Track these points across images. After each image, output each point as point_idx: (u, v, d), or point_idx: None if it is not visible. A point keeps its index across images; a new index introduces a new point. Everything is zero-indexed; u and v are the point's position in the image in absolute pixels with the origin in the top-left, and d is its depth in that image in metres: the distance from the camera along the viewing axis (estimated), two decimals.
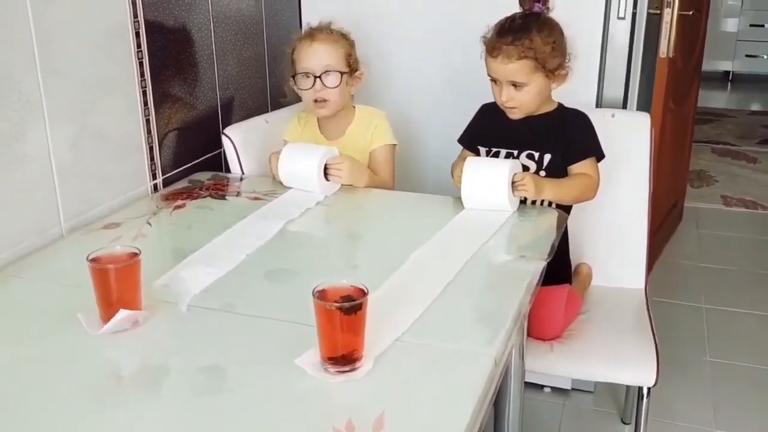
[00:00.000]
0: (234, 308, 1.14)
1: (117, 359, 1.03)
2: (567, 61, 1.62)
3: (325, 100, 1.74)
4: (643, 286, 1.87)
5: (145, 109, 1.64)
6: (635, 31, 2.01)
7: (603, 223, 1.87)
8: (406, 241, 1.36)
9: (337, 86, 1.73)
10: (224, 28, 1.91)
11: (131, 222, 1.46)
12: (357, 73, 1.80)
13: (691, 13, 2.47)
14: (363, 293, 0.95)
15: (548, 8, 1.60)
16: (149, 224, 1.46)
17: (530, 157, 1.65)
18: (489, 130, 1.72)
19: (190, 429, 0.88)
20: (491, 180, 1.48)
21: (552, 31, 1.59)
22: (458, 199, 1.52)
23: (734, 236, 3.30)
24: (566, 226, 1.58)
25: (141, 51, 1.61)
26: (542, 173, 1.63)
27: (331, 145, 1.73)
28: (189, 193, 1.65)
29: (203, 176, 1.77)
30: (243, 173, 1.79)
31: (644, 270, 1.88)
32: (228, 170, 1.83)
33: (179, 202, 1.59)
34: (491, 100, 1.69)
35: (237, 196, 1.66)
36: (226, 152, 1.81)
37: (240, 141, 1.80)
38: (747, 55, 6.26)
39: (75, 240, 1.40)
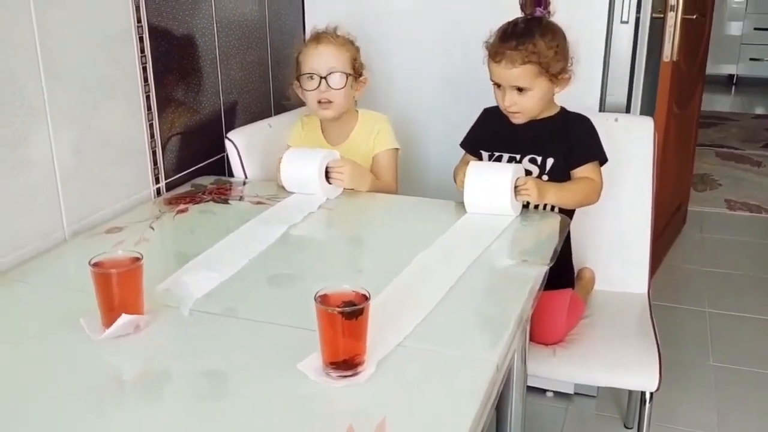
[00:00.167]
0: (236, 313, 1.14)
1: (119, 364, 1.03)
2: (569, 65, 1.62)
3: (329, 102, 1.75)
4: (646, 291, 1.87)
5: (148, 114, 1.65)
6: (639, 35, 2.01)
7: (606, 227, 1.87)
8: (408, 245, 1.36)
9: (342, 88, 1.74)
10: (228, 33, 1.92)
11: (134, 226, 1.47)
12: (361, 78, 1.81)
13: (694, 17, 2.47)
14: (365, 298, 0.95)
15: (549, 12, 1.60)
16: (152, 228, 1.47)
17: (533, 161, 1.65)
18: (491, 135, 1.72)
19: None
20: (494, 184, 1.48)
21: (555, 35, 1.59)
22: (461, 204, 1.52)
23: (738, 240, 3.29)
24: (569, 230, 1.57)
25: (144, 55, 1.61)
26: (545, 177, 1.63)
27: (334, 150, 1.73)
28: (192, 198, 1.65)
29: (206, 180, 1.77)
30: (246, 177, 1.80)
31: (647, 274, 1.87)
32: (231, 174, 1.83)
33: (182, 207, 1.59)
34: (493, 103, 1.69)
35: (240, 200, 1.66)
36: (229, 156, 1.81)
37: (243, 145, 1.80)
38: (751, 59, 6.26)
39: (78, 244, 1.40)
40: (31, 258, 1.34)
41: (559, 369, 1.62)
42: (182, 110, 1.77)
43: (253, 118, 2.01)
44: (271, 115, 2.07)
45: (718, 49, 5.13)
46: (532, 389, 2.00)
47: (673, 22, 2.23)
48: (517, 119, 1.65)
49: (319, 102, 1.75)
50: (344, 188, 1.66)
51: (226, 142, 1.81)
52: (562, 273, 1.63)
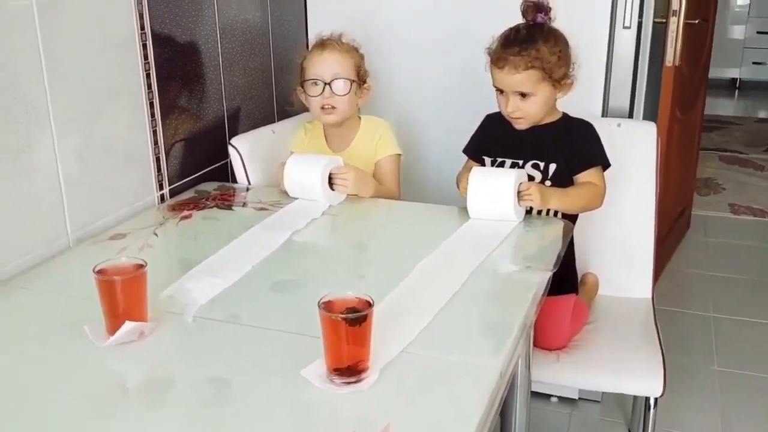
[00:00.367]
0: (240, 319, 1.14)
1: (123, 371, 1.03)
2: (571, 70, 1.62)
3: (333, 107, 1.75)
4: (650, 296, 1.86)
5: (151, 120, 1.65)
6: (641, 40, 2.01)
7: (609, 232, 1.86)
8: (412, 251, 1.36)
9: (345, 94, 1.74)
10: (231, 39, 1.92)
11: (138, 233, 1.47)
12: (365, 86, 1.81)
13: (697, 21, 2.47)
14: (368, 305, 0.95)
15: (550, 18, 1.61)
16: (156, 235, 1.47)
17: (535, 166, 1.65)
18: (494, 140, 1.72)
19: None
20: (497, 190, 1.48)
21: (557, 40, 1.59)
22: (464, 209, 1.52)
23: (742, 244, 3.29)
24: (572, 235, 1.57)
25: (148, 62, 1.62)
26: (547, 183, 1.63)
27: (337, 156, 1.73)
28: (195, 204, 1.65)
29: (209, 186, 1.78)
30: (249, 183, 1.80)
31: (651, 279, 1.87)
32: (234, 180, 1.83)
33: (185, 213, 1.59)
34: (494, 108, 1.69)
35: (243, 206, 1.67)
36: (233, 162, 1.82)
37: (246, 151, 1.80)
38: (754, 63, 6.25)
39: (82, 251, 1.41)
40: (35, 265, 1.34)
41: (563, 374, 1.62)
42: (185, 116, 1.78)
43: (256, 124, 2.01)
44: (274, 121, 2.08)
45: (721, 53, 5.13)
46: (536, 394, 2.00)
47: (675, 26, 2.23)
48: (520, 125, 1.65)
49: (323, 108, 1.76)
50: (347, 194, 1.66)
51: (230, 148, 1.81)
52: (565, 278, 1.63)
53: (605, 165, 1.66)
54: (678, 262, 3.04)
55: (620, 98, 2.01)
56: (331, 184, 1.64)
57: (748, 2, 6.12)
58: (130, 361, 1.04)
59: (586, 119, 1.70)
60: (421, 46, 2.17)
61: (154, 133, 1.67)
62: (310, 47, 1.84)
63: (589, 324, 1.75)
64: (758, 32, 6.15)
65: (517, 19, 1.62)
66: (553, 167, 1.64)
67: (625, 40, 1.98)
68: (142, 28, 1.59)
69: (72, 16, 1.41)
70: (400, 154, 1.82)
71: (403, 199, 1.82)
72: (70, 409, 0.93)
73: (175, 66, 1.71)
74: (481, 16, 2.03)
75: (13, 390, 0.97)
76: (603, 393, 2.11)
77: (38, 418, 0.91)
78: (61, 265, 1.36)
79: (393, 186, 1.80)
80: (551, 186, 1.62)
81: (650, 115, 2.20)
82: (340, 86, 1.74)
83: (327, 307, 0.95)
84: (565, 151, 1.64)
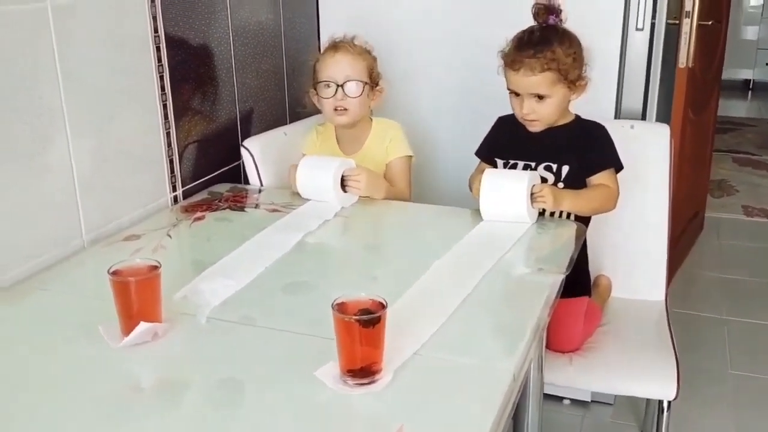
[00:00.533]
0: (253, 321, 1.14)
1: (137, 371, 1.03)
2: (584, 71, 1.62)
3: (345, 109, 1.76)
4: (663, 298, 1.85)
5: (165, 122, 1.66)
6: (654, 42, 2.00)
7: (622, 234, 1.86)
8: (424, 253, 1.36)
9: (358, 96, 1.74)
10: (243, 41, 1.93)
11: (151, 234, 1.48)
12: (377, 88, 1.81)
13: (710, 22, 2.46)
14: (382, 306, 0.95)
15: (561, 20, 1.61)
16: (169, 236, 1.48)
17: (548, 169, 1.64)
18: (506, 143, 1.72)
19: None
20: (510, 192, 1.48)
21: (572, 42, 1.59)
22: (476, 211, 1.52)
23: (756, 246, 3.26)
24: (585, 238, 1.57)
25: (161, 64, 1.63)
26: (560, 185, 1.63)
27: (349, 158, 1.73)
28: (208, 205, 1.66)
29: (222, 188, 1.78)
30: (262, 185, 1.81)
31: (664, 282, 1.86)
32: (247, 182, 1.84)
33: (199, 214, 1.60)
34: (506, 110, 1.69)
35: (256, 207, 1.67)
36: (245, 164, 1.82)
37: (259, 153, 1.81)
38: (767, 64, 6.21)
39: (96, 252, 1.42)
40: (50, 266, 1.35)
41: (576, 377, 1.61)
42: (199, 118, 1.78)
43: (268, 126, 2.02)
44: (286, 123, 2.08)
45: (734, 54, 5.10)
46: (548, 397, 1.99)
47: (688, 28, 2.22)
48: (535, 127, 1.64)
49: (335, 109, 1.76)
50: (360, 196, 1.66)
51: (242, 149, 1.82)
52: (578, 280, 1.63)
53: (618, 167, 1.66)
54: (691, 265, 3.02)
55: (633, 100, 2.01)
56: (343, 185, 1.64)
57: (762, 3, 6.08)
58: (143, 362, 1.04)
59: (599, 121, 1.69)
60: (434, 48, 2.17)
61: (168, 134, 1.68)
62: (322, 49, 1.84)
63: (602, 326, 1.74)
64: None
65: (529, 21, 1.62)
66: (565, 169, 1.63)
67: (638, 42, 1.97)
68: (156, 30, 1.60)
69: (86, 18, 1.42)
70: (411, 156, 1.82)
71: (414, 201, 1.82)
72: (84, 408, 0.93)
73: (188, 68, 1.72)
74: (493, 18, 2.03)
75: (28, 389, 0.97)
76: (615, 396, 2.10)
77: (51, 417, 0.92)
78: (75, 266, 1.37)
79: (404, 187, 1.80)
80: (564, 188, 1.61)
81: (663, 116, 2.19)
82: (353, 88, 1.74)
83: (340, 308, 0.95)
84: (578, 153, 1.64)
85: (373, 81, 1.80)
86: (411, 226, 1.61)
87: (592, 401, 2.12)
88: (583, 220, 1.61)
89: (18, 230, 1.31)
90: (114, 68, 1.50)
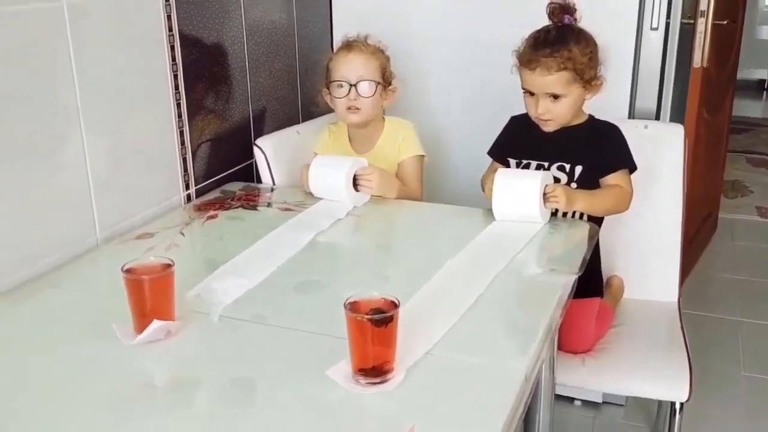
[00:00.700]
0: (265, 319, 1.15)
1: (150, 369, 1.04)
2: (599, 71, 1.61)
3: (358, 108, 1.76)
4: (676, 299, 1.84)
5: (178, 121, 1.67)
6: (668, 42, 1.99)
7: (635, 235, 1.85)
8: (436, 252, 1.36)
9: (371, 96, 1.75)
10: (257, 41, 1.94)
11: (165, 232, 1.48)
12: (390, 87, 1.81)
13: (725, 22, 2.44)
14: (394, 305, 0.95)
15: (576, 19, 1.60)
16: (182, 234, 1.48)
17: (561, 169, 1.64)
18: (519, 142, 1.71)
19: None
20: (523, 192, 1.48)
21: (588, 42, 1.59)
22: (489, 211, 1.52)
23: None
24: (597, 238, 1.56)
25: (175, 63, 1.63)
26: (573, 185, 1.62)
27: (361, 158, 1.73)
28: (221, 204, 1.66)
29: (235, 187, 1.79)
30: (274, 184, 1.81)
31: (677, 283, 1.85)
32: (259, 181, 1.84)
33: (211, 213, 1.60)
34: (519, 109, 1.68)
35: (268, 206, 1.68)
36: (258, 163, 1.83)
37: (271, 152, 1.81)
38: None
39: (110, 250, 1.42)
40: (64, 263, 1.36)
41: (588, 378, 1.61)
42: (212, 117, 1.79)
43: (281, 125, 2.02)
44: (299, 122, 2.08)
45: (749, 54, 5.05)
46: (560, 398, 1.99)
47: (703, 28, 2.21)
48: (549, 127, 1.64)
49: (348, 108, 1.76)
50: (372, 195, 1.66)
51: (255, 148, 1.82)
52: (591, 281, 1.62)
53: (632, 168, 1.65)
54: (705, 266, 3.01)
55: (647, 100, 2.00)
56: (355, 185, 1.64)
57: None
58: (156, 360, 1.05)
59: (613, 121, 1.68)
60: (447, 48, 2.16)
61: (181, 133, 1.68)
62: (335, 48, 1.84)
63: (615, 327, 1.74)
64: None
65: (543, 21, 1.62)
66: (578, 170, 1.63)
67: (653, 42, 1.96)
68: (170, 29, 1.61)
69: (101, 17, 1.43)
70: (423, 155, 1.82)
71: (426, 200, 1.82)
72: (97, 406, 0.94)
73: (202, 67, 1.73)
74: (507, 17, 2.02)
75: (41, 387, 0.98)
76: (627, 397, 2.09)
77: (64, 414, 0.92)
78: (89, 264, 1.38)
79: (416, 187, 1.80)
80: (577, 188, 1.61)
81: (677, 116, 2.18)
82: (366, 88, 1.74)
83: (353, 307, 0.95)
84: (592, 153, 1.63)
85: (386, 80, 1.80)
86: (423, 225, 1.61)
87: (603, 402, 2.11)
88: (596, 221, 1.61)
89: (33, 228, 1.32)
90: (128, 67, 1.51)
